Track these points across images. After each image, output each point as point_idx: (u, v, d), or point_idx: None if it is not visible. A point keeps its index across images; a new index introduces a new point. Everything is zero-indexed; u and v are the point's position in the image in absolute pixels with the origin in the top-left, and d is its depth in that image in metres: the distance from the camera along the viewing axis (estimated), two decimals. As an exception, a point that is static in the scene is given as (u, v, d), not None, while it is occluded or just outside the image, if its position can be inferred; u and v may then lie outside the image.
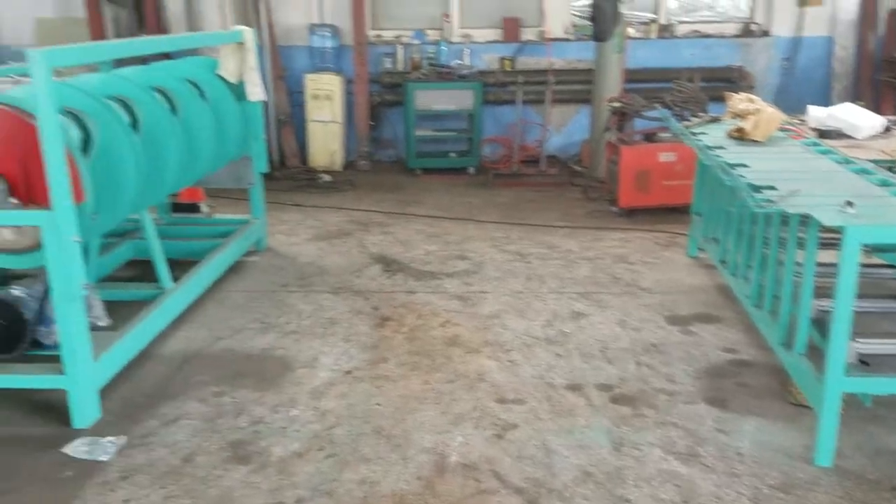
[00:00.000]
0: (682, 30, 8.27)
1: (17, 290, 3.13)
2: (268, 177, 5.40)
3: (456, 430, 3.09)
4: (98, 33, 7.60)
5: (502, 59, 8.12)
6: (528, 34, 8.14)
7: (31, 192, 2.83)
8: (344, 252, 5.41)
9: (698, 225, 5.03)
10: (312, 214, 6.38)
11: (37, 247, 2.89)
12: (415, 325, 4.14)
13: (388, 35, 8.24)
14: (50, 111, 2.64)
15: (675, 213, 5.88)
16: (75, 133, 3.02)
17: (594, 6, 6.74)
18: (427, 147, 8.01)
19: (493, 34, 8.22)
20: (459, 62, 7.84)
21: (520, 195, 7.02)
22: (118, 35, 7.71)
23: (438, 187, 7.35)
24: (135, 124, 3.49)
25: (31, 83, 2.67)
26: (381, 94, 8.16)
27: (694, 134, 4.46)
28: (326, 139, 7.93)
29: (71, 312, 2.93)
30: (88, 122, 3.13)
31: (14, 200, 2.82)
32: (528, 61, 8.11)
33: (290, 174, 7.66)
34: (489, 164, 7.85)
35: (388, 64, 8.12)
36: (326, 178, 7.58)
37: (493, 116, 8.14)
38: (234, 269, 4.92)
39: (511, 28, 8.11)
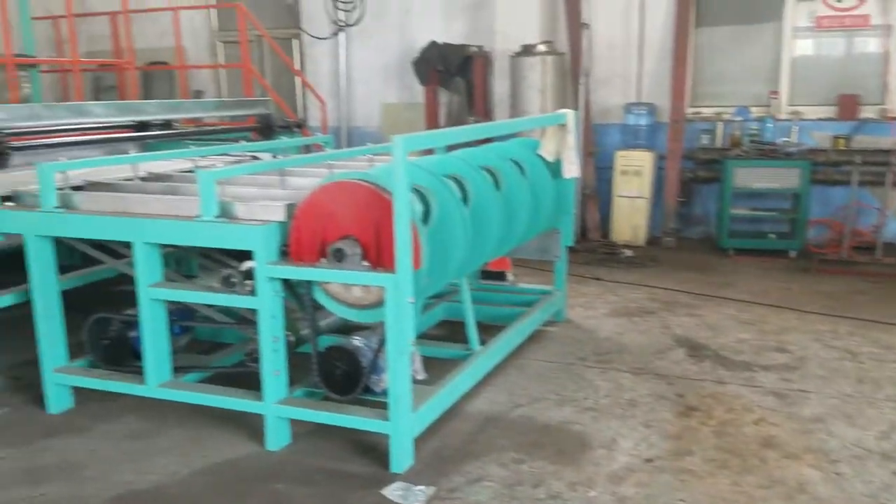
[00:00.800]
0: None
1: (356, 340, 3.56)
2: (569, 249, 5.53)
3: (768, 546, 2.81)
4: (432, 116, 8.52)
5: (835, 137, 7.50)
6: (867, 112, 7.46)
7: (380, 257, 3.22)
8: (645, 331, 5.29)
9: None
10: (612, 289, 6.36)
11: (378, 304, 3.27)
12: (724, 419, 3.88)
13: (707, 112, 8.10)
14: (403, 188, 3.02)
15: None
16: (418, 206, 3.40)
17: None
18: (742, 226, 7.63)
19: (825, 111, 7.68)
20: (786, 140, 7.41)
21: (849, 285, 6.31)
22: (449, 117, 8.57)
23: (753, 270, 6.90)
24: (465, 199, 3.82)
25: (390, 163, 3.08)
26: (694, 171, 8.00)
27: None
28: (631, 214, 7.92)
29: (399, 365, 3.25)
30: (429, 197, 3.49)
31: (366, 263, 3.23)
32: (865, 140, 7.39)
33: (591, 247, 7.76)
34: (814, 248, 7.20)
35: (704, 140, 7.95)
36: (628, 252, 7.54)
37: (821, 197, 7.52)
38: (534, 337, 5.05)
39: (848, 105, 7.50)
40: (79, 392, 4.12)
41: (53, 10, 9.14)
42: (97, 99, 9.82)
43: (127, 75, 7.63)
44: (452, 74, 8.46)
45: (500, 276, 5.77)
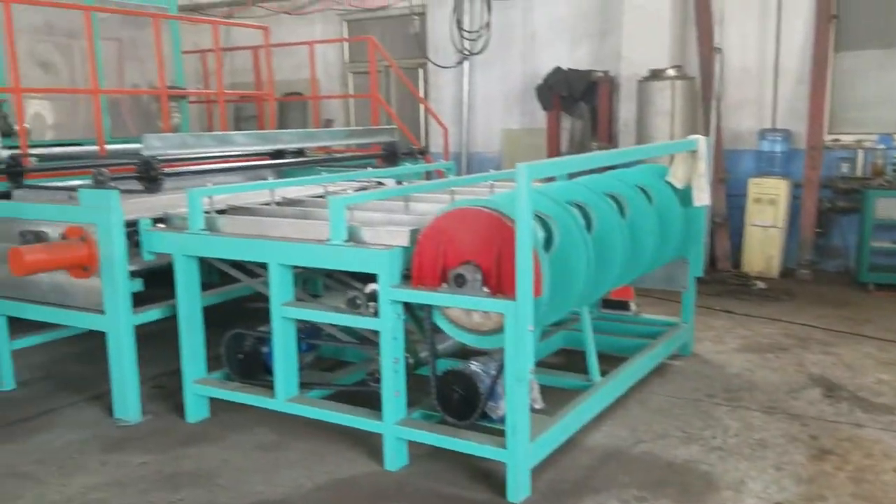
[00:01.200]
0: None
1: (474, 366, 3.57)
2: (698, 280, 5.33)
3: None
4: (554, 142, 8.50)
5: None
6: None
7: (500, 283, 3.24)
8: (778, 368, 5.01)
9: None
10: (743, 323, 6.07)
11: (498, 331, 3.27)
12: (862, 465, 3.61)
13: (846, 139, 7.62)
14: (526, 215, 3.03)
15: None
16: (540, 233, 3.39)
17: None
18: (883, 260, 7.12)
19: None
20: (934, 169, 6.85)
21: None
22: (571, 143, 8.51)
23: (894, 306, 6.39)
24: (589, 226, 3.78)
25: (513, 190, 3.10)
26: (833, 201, 7.52)
27: None
28: (764, 244, 7.55)
29: (517, 392, 3.24)
30: (551, 224, 3.48)
31: (486, 289, 3.26)
32: None
33: (721, 278, 7.44)
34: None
35: (844, 169, 7.48)
36: (760, 285, 7.18)
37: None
38: (658, 371, 4.89)
39: None
40: (213, 402, 4.36)
41: (202, 44, 9.89)
42: (238, 127, 10.49)
43: (266, 105, 8.10)
44: (576, 100, 8.43)
45: (622, 305, 5.63)
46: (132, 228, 4.21)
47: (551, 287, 3.29)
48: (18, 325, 4.86)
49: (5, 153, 5.00)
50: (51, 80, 6.18)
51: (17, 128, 5.31)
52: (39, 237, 4.33)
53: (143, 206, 4.46)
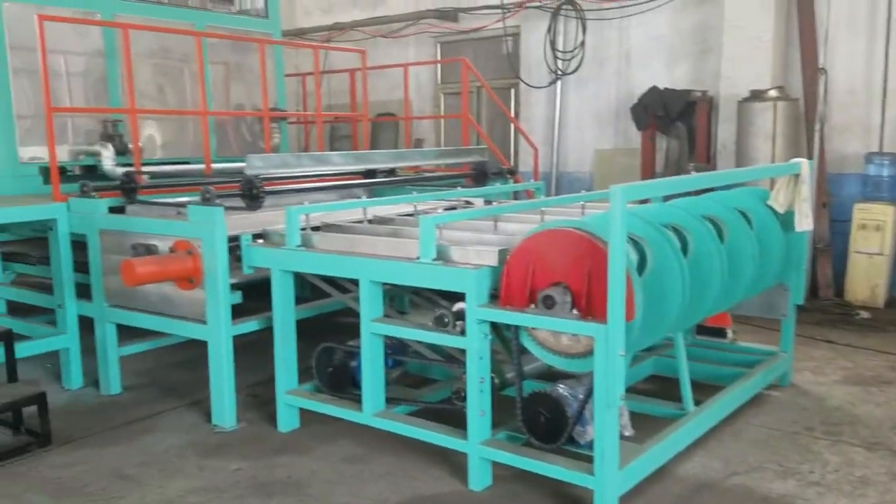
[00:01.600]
0: None
1: (562, 389, 3.54)
2: (798, 308, 5.11)
3: None
4: (648, 163, 8.35)
5: None
6: None
7: (590, 306, 3.20)
8: (882, 403, 4.74)
9: None
10: (845, 354, 5.77)
11: (587, 354, 3.23)
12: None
13: (966, 163, 7.16)
14: (619, 238, 2.99)
15: None
16: (633, 256, 3.34)
17: None
18: None
19: None
20: None
21: None
22: (666, 164, 8.35)
23: None
24: (685, 250, 3.69)
25: (606, 211, 3.07)
26: (949, 228, 7.06)
27: None
28: (870, 272, 7.17)
29: (607, 418, 3.18)
30: (644, 247, 3.42)
31: (575, 312, 3.23)
32: None
33: (822, 307, 7.11)
34: None
35: (961, 195, 7.03)
36: (864, 314, 6.83)
37: None
38: (754, 401, 4.71)
39: None
40: (303, 412, 4.48)
41: (301, 66, 10.27)
42: (332, 146, 10.81)
43: (360, 126, 8.32)
44: (673, 120, 8.26)
45: (718, 332, 5.45)
46: (234, 243, 4.40)
47: (644, 311, 3.23)
48: (125, 333, 5.15)
49: (120, 170, 5.33)
50: (162, 102, 6.56)
51: (131, 146, 5.66)
52: (150, 250, 4.59)
53: (244, 223, 4.66)
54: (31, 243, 5.89)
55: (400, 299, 5.88)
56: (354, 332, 4.09)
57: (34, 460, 4.12)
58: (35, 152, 5.74)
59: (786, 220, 4.62)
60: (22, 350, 4.74)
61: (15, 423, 4.34)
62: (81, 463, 4.09)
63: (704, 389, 4.40)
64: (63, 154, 5.81)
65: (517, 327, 3.46)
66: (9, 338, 4.41)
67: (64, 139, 5.82)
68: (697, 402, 4.14)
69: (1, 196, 5.46)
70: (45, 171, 5.48)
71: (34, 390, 4.32)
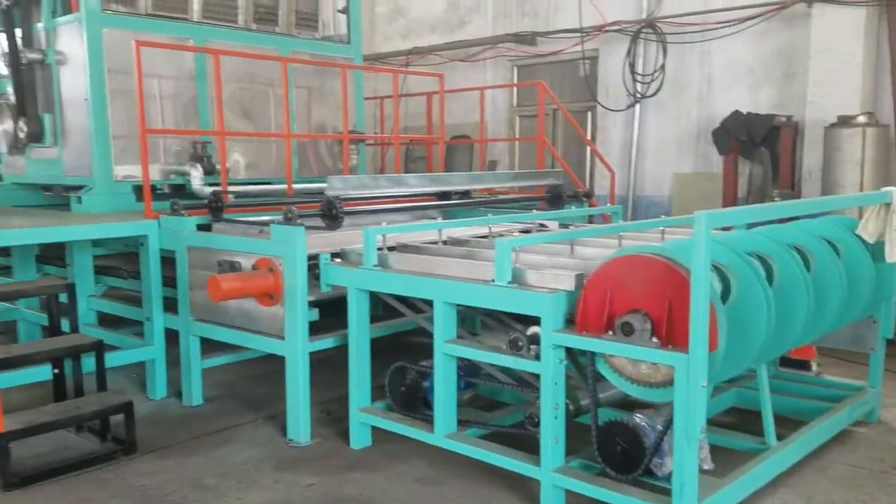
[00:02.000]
0: None
1: (639, 418, 3.47)
2: (888, 341, 4.88)
3: None
4: (730, 188, 8.15)
5: None
6: None
7: (671, 334, 3.14)
8: (984, 448, 4.45)
9: None
10: (941, 392, 5.46)
11: (667, 384, 3.16)
12: None
13: None
14: (703, 265, 2.92)
15: None
16: (716, 284, 3.26)
17: None
18: None
19: None
20: None
21: None
22: (749, 190, 8.13)
23: None
24: (769, 279, 3.58)
25: (688, 238, 3.01)
26: None
27: None
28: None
29: (686, 451, 3.10)
30: (728, 275, 3.34)
31: (655, 340, 3.16)
32: None
33: (916, 341, 6.73)
34: None
35: None
36: (964, 352, 6.40)
37: None
38: (840, 437, 4.52)
39: None
40: (375, 430, 4.52)
41: (379, 89, 10.47)
42: (406, 167, 10.95)
43: (435, 148, 8.42)
44: (756, 145, 8.05)
45: (803, 364, 5.25)
46: (312, 261, 4.51)
47: (727, 342, 3.14)
48: (207, 346, 5.32)
49: (208, 190, 5.55)
50: (247, 124, 6.80)
51: (218, 167, 5.89)
52: (234, 267, 4.76)
53: (323, 242, 4.77)
54: (122, 258, 6.18)
55: (471, 320, 5.89)
56: (425, 351, 4.11)
57: (120, 468, 4.30)
58: (128, 171, 6.02)
59: (876, 251, 4.44)
60: (111, 360, 4.96)
61: (102, 431, 4.54)
62: (164, 472, 4.23)
63: (787, 424, 4.25)
64: (154, 173, 6.08)
65: (593, 354, 3.42)
66: (100, 348, 4.61)
67: (155, 159, 6.09)
68: (780, 437, 3.99)
69: (96, 212, 5.75)
70: (138, 189, 5.76)
71: (122, 399, 4.50)
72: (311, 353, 4.59)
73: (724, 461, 3.67)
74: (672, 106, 9.09)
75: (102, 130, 5.90)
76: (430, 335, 4.09)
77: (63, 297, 4.84)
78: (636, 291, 3.25)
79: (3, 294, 4.92)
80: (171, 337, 5.35)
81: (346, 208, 4.97)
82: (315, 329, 4.62)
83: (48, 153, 6.29)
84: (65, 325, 4.90)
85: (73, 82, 6.03)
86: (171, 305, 5.33)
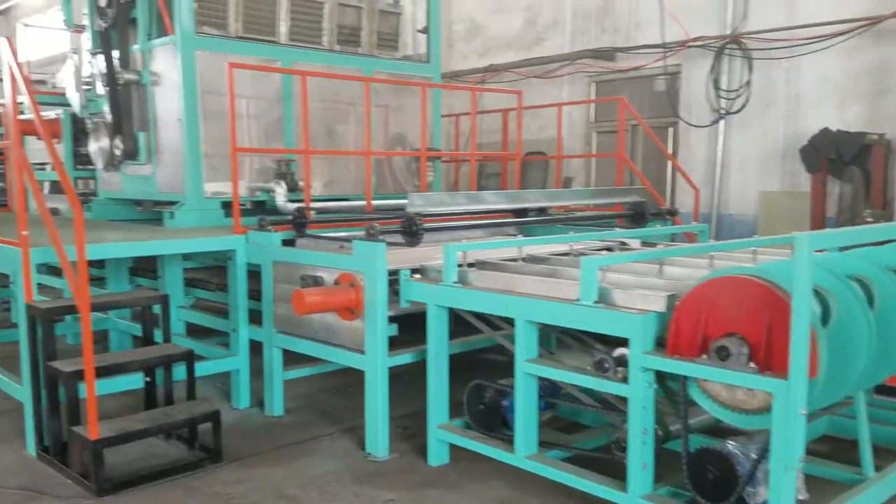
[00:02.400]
0: None
1: (732, 446, 3.33)
2: None
3: None
4: (819, 207, 7.86)
5: None
6: None
7: (769, 359, 3.01)
8: None
9: None
10: None
11: (763, 411, 3.04)
12: None
13: None
14: (805, 288, 2.80)
15: None
16: (816, 308, 3.12)
17: None
18: None
19: None
20: None
21: None
22: (840, 210, 7.81)
23: None
24: (870, 303, 3.41)
25: (788, 260, 2.90)
26: None
27: None
28: None
29: (784, 481, 2.97)
30: (828, 298, 3.19)
31: (753, 365, 3.05)
32: None
33: None
34: None
35: None
36: None
37: None
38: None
39: None
40: (452, 448, 4.50)
41: (455, 106, 10.55)
42: (480, 184, 10.96)
43: (510, 164, 8.41)
44: (846, 163, 7.75)
45: (899, 393, 4.98)
46: (393, 277, 4.55)
47: (828, 368, 3.00)
48: (288, 358, 5.42)
49: (292, 206, 5.68)
50: (327, 142, 6.94)
51: (301, 184, 6.02)
52: (317, 281, 4.84)
53: (403, 258, 4.81)
54: (210, 271, 6.37)
55: (547, 338, 5.81)
56: (501, 369, 4.07)
57: (207, 475, 4.40)
58: (216, 188, 6.22)
59: None
60: (198, 370, 5.10)
61: (190, 439, 4.66)
62: (248, 480, 4.32)
63: (884, 454, 4.05)
64: (241, 190, 6.26)
65: (685, 378, 3.32)
66: (191, 358, 4.75)
67: (242, 176, 6.26)
68: (877, 468, 3.78)
69: (187, 227, 5.96)
70: (226, 205, 5.93)
71: (210, 408, 4.62)
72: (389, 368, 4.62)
73: (818, 491, 3.50)
74: (757, 122, 8.84)
75: (194, 149, 6.11)
76: (507, 353, 4.04)
77: (156, 308, 5.01)
78: (732, 314, 3.14)
79: (100, 304, 5.13)
80: (253, 348, 5.48)
81: (426, 224, 5.00)
82: (392, 344, 4.64)
83: (142, 170, 6.55)
84: (156, 335, 5.07)
85: (166, 102, 6.28)
86: (254, 317, 5.46)
